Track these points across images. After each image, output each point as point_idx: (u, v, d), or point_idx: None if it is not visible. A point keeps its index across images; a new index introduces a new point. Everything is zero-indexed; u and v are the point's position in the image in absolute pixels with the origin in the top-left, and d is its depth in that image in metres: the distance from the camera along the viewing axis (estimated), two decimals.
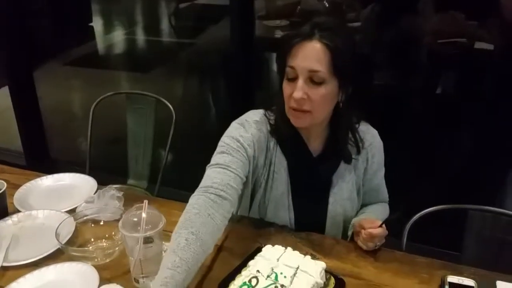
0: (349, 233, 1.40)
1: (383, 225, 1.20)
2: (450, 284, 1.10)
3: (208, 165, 1.23)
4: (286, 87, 1.21)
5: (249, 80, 2.49)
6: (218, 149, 1.26)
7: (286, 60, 1.19)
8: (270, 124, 1.32)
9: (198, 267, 1.02)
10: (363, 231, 1.23)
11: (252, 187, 1.36)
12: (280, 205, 1.36)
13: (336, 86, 1.18)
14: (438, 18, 2.28)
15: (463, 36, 2.23)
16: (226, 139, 1.26)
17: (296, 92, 1.16)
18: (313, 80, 1.15)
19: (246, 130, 1.28)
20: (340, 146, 1.32)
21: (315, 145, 1.34)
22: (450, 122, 2.25)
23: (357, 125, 1.34)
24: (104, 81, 3.37)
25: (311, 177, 1.35)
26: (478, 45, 2.20)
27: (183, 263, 0.97)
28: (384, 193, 1.50)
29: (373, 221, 1.23)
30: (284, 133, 1.30)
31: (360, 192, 1.42)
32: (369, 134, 1.37)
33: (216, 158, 1.24)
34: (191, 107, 3.15)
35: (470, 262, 1.24)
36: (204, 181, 1.17)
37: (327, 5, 2.49)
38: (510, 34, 2.03)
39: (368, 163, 1.38)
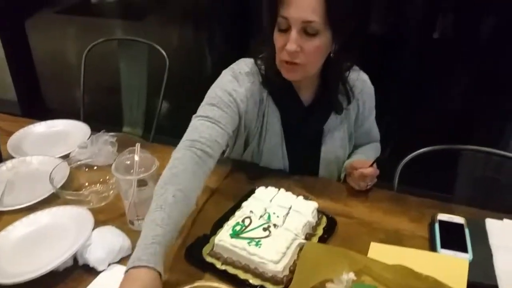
0: (342, 176, 1.41)
1: (374, 165, 1.21)
2: (440, 222, 1.11)
3: (195, 115, 1.17)
4: (278, 38, 1.14)
5: (245, 26, 2.43)
6: (208, 99, 1.20)
7: (278, 10, 1.11)
8: (261, 74, 1.27)
9: (181, 226, 0.99)
10: (354, 171, 1.23)
11: (245, 138, 1.33)
12: (274, 155, 1.35)
13: (329, 38, 1.12)
14: None
15: None
16: (218, 91, 1.20)
17: (290, 44, 1.09)
18: (307, 31, 1.09)
19: (239, 84, 1.22)
20: (330, 96, 1.29)
21: (306, 95, 1.30)
22: (444, 65, 2.22)
23: (347, 72, 1.29)
24: (97, 29, 3.30)
25: (303, 127, 1.33)
26: None
27: (171, 221, 0.93)
28: (376, 134, 1.50)
29: (364, 161, 1.24)
30: (275, 85, 1.26)
31: (352, 138, 1.42)
32: (359, 81, 1.33)
33: (205, 109, 1.18)
34: (186, 55, 3.10)
35: (461, 202, 1.25)
36: (191, 134, 1.12)
37: None
38: None
39: (359, 110, 1.37)
